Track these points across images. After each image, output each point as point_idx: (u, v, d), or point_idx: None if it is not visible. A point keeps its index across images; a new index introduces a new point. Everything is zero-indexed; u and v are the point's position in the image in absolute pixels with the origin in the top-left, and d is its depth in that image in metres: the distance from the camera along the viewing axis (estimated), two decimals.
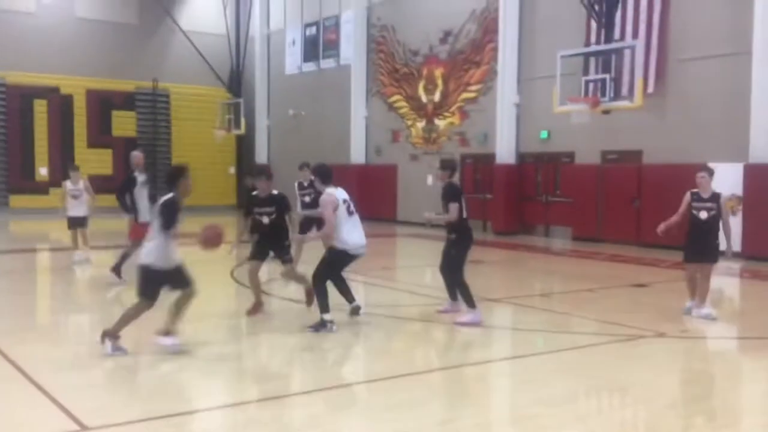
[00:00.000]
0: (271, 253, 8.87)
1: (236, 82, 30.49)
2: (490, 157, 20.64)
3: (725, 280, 12.23)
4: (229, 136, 29.17)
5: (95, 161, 28.31)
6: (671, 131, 16.47)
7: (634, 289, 11.41)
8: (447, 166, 8.89)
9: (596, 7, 15.33)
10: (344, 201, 8.14)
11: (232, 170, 31.05)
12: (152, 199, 10.73)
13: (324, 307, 7.97)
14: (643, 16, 16.67)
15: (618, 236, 17.20)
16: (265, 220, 8.62)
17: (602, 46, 14.98)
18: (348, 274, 8.84)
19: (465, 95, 21.77)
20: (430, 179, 22.19)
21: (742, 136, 14.88)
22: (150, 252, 6.89)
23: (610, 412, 5.84)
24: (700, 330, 8.78)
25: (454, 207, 8.46)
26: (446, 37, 22.26)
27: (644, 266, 14.06)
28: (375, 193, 23.22)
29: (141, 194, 10.95)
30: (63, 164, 26.97)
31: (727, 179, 15.16)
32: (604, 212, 17.62)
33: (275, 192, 8.84)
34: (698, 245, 8.96)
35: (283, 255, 8.77)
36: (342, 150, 25.54)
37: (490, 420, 5.45)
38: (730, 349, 8.40)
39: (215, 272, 12.55)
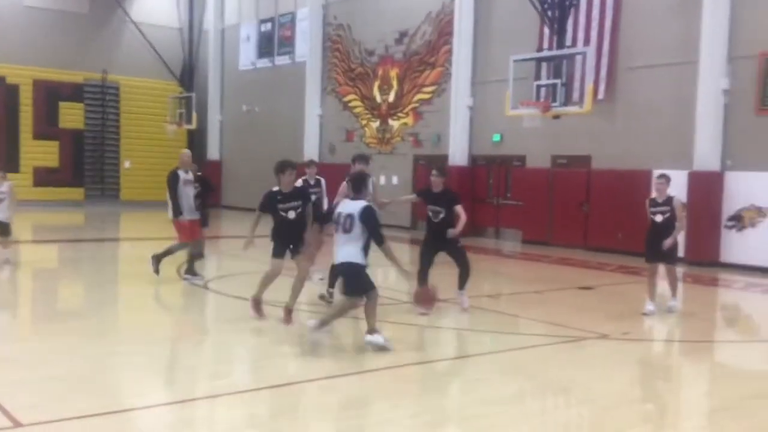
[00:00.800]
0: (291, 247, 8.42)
1: (188, 76, 30.01)
2: (443, 158, 20.73)
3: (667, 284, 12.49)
4: (180, 131, 28.72)
5: (41, 153, 27.67)
6: (620, 137, 16.79)
7: (579, 291, 11.60)
8: (445, 172, 9.49)
9: (549, 14, 15.53)
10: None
11: None
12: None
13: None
14: (594, 24, 16.96)
15: (567, 240, 17.46)
16: (292, 215, 8.29)
17: (554, 52, 15.18)
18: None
19: (419, 96, 21.85)
20: (383, 179, 22.21)
21: (687, 144, 15.25)
22: (358, 253, 7.08)
23: (553, 412, 5.91)
24: (642, 332, 8.97)
25: (461, 208, 8.98)
26: (402, 37, 22.31)
27: (590, 269, 14.30)
28: (328, 192, 23.05)
29: (185, 192, 10.79)
30: (8, 155, 26.31)
31: (672, 186, 15.55)
32: (554, 216, 17.87)
33: (297, 184, 8.89)
34: (656, 246, 9.50)
35: (300, 247, 8.44)
36: (296, 148, 25.35)
37: (434, 419, 5.46)
38: (670, 351, 8.59)
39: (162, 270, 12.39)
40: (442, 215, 9.27)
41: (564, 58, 14.77)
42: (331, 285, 9.30)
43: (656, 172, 14.93)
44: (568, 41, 16.25)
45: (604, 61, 16.85)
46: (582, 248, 16.98)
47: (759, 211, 14.39)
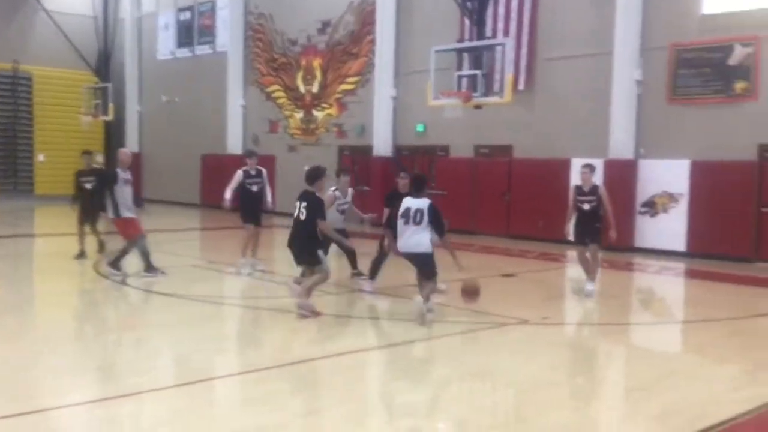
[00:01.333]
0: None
1: (104, 66, 29.08)
2: (368, 149, 20.78)
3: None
4: (96, 123, 27.79)
5: None
6: (539, 127, 17.16)
7: (502, 279, 11.81)
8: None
9: (468, 5, 15.70)
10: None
11: (100, 158, 29.64)
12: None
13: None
14: (513, 15, 17.26)
15: (490, 228, 17.75)
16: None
17: (474, 43, 15.36)
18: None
19: (343, 87, 21.78)
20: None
21: (603, 133, 15.71)
22: (428, 242, 8.18)
23: (475, 397, 6.01)
24: (561, 317, 9.23)
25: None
26: (325, 27, 22.18)
27: (513, 257, 14.59)
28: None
29: (125, 191, 10.54)
30: None
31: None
32: (477, 205, 18.14)
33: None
34: (581, 230, 10.14)
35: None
36: (218, 139, 24.97)
37: (357, 409, 5.47)
38: (588, 334, 8.85)
39: (76, 265, 12.02)
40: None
41: (484, 49, 14.95)
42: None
43: (576, 161, 15.40)
44: (489, 32, 16.47)
45: (524, 52, 17.18)
46: (505, 236, 17.31)
47: (671, 197, 14.97)
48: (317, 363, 6.72)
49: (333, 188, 10.55)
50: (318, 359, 6.84)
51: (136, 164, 27.63)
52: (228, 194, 11.40)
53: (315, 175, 8.42)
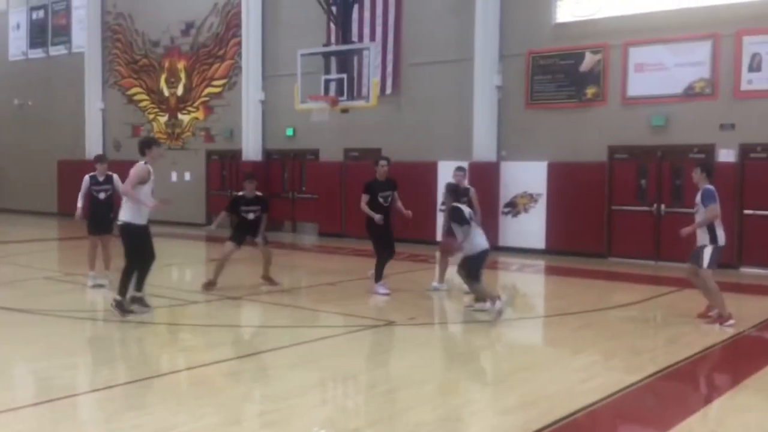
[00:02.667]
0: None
1: None
2: (237, 153, 20.41)
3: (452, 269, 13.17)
4: None
5: None
6: (407, 131, 17.45)
7: (370, 281, 11.88)
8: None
9: (333, 9, 15.75)
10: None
11: None
12: None
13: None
14: (379, 21, 17.48)
15: (360, 231, 17.74)
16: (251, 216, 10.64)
17: (340, 47, 15.43)
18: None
19: (209, 90, 21.29)
20: (174, 176, 21.45)
21: (467, 136, 16.19)
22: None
23: (341, 400, 6.00)
24: (427, 317, 9.41)
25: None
26: (188, 29, 21.59)
27: None
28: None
29: None
30: None
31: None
32: (348, 208, 18.20)
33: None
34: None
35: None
36: (76, 144, 23.74)
37: (223, 420, 5.31)
38: (452, 333, 9.06)
39: None
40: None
41: (350, 53, 15.04)
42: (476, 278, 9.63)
43: (443, 164, 15.79)
44: (354, 37, 16.59)
45: (390, 56, 17.43)
46: None
47: (531, 198, 15.64)
48: (175, 377, 6.49)
49: (144, 161, 9.54)
50: (175, 372, 6.61)
51: None
52: (79, 202, 10.78)
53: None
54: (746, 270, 13.18)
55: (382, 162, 10.80)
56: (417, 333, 8.38)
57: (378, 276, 10.49)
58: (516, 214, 15.89)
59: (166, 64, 22.20)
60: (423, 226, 16.83)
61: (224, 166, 21.08)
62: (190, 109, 21.82)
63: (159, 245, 14.23)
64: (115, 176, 10.81)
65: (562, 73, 15.25)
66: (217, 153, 21.23)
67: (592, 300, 10.34)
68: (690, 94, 13.84)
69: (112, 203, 10.62)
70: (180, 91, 21.98)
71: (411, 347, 7.60)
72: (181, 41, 21.78)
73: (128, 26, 23.05)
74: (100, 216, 10.74)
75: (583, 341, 8.03)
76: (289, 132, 19.56)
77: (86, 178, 10.84)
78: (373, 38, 17.28)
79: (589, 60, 14.95)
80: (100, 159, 11.24)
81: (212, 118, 21.31)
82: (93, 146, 23.45)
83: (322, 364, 7.02)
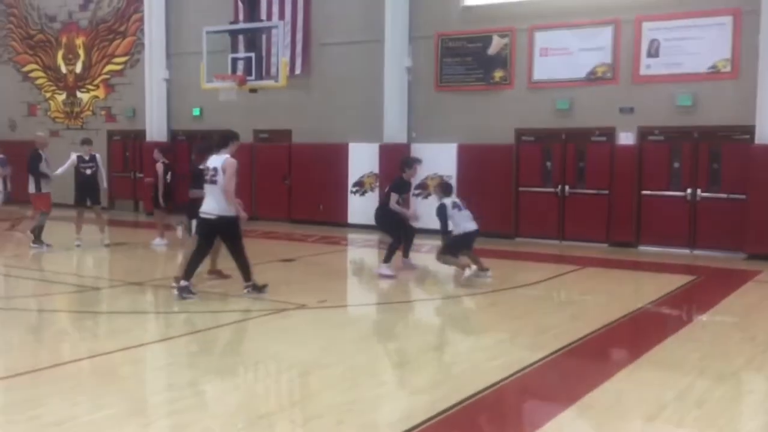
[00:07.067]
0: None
1: None
2: (141, 133, 19.73)
3: (364, 252, 13.15)
4: None
5: None
6: (318, 112, 17.29)
7: (282, 264, 11.78)
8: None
9: None
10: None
11: None
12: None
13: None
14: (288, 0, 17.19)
15: (272, 213, 17.64)
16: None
17: (247, 25, 15.09)
18: None
19: (110, 67, 20.47)
20: (73, 156, 20.51)
21: (378, 118, 16.18)
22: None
23: (249, 385, 5.90)
24: (338, 300, 9.38)
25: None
26: (87, 3, 20.67)
27: (294, 242, 14.62)
28: (14, 174, 20.74)
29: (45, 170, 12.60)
30: None
31: (365, 158, 16.46)
32: (258, 190, 17.93)
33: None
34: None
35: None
36: None
37: (119, 412, 5.10)
38: (361, 315, 9.07)
39: None
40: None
41: (259, 32, 14.74)
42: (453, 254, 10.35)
43: (354, 146, 15.71)
44: (263, 15, 16.27)
45: (299, 36, 17.19)
46: (286, 221, 17.30)
47: (442, 179, 15.78)
48: (75, 366, 6.24)
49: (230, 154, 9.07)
50: (76, 362, 6.35)
51: None
52: (59, 171, 12.79)
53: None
54: (644, 248, 13.76)
55: (417, 165, 11.29)
56: (328, 316, 8.35)
57: (388, 257, 10.64)
58: (427, 195, 15.99)
59: (64, 40, 21.19)
60: (334, 209, 16.79)
61: (127, 147, 20.35)
62: (89, 87, 20.92)
63: (56, 229, 13.71)
64: (98, 155, 13.46)
65: (471, 56, 15.43)
66: (120, 133, 20.48)
67: (499, 279, 10.55)
68: (592, 78, 14.26)
69: (96, 178, 13.11)
70: (79, 68, 21.04)
71: (320, 331, 7.55)
72: (80, 16, 20.82)
73: (22, 0, 21.87)
74: (88, 189, 13.00)
75: (490, 320, 8.19)
76: (196, 112, 19.05)
77: (74, 156, 13.03)
78: (282, 17, 16.98)
79: (496, 43, 15.18)
80: (86, 141, 13.43)
81: (113, 96, 20.51)
82: None
83: (232, 349, 6.89)
